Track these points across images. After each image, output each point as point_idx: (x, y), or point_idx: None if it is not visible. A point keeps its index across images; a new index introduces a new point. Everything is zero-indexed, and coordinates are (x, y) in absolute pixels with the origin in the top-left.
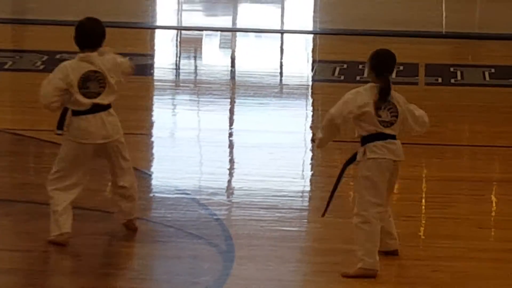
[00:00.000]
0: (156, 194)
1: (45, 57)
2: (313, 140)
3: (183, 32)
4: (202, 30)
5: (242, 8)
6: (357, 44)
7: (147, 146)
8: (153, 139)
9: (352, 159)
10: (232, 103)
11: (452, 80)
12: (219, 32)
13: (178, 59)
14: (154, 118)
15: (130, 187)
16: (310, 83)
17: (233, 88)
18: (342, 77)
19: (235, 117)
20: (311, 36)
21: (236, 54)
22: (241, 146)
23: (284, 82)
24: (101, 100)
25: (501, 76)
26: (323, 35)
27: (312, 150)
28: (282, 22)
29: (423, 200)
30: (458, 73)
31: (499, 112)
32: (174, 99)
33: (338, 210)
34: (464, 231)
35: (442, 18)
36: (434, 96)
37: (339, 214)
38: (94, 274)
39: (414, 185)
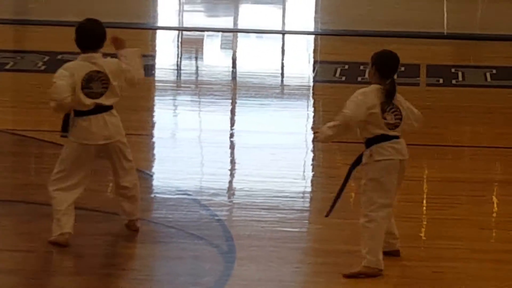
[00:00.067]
0: (157, 195)
1: (46, 58)
2: (315, 133)
3: (184, 32)
4: (203, 30)
5: (243, 9)
6: (358, 45)
7: (148, 146)
8: (154, 139)
9: (358, 161)
10: (233, 104)
11: (454, 81)
12: (220, 33)
13: (179, 59)
14: (155, 119)
15: (132, 187)
16: (311, 84)
17: (234, 89)
18: (343, 78)
19: (236, 118)
20: (312, 37)
21: (237, 55)
22: (242, 147)
23: (285, 83)
24: (104, 101)
25: (502, 77)
26: (324, 36)
27: (313, 151)
28: (283, 23)
29: (424, 201)
30: (460, 74)
31: (501, 113)
32: (175, 99)
33: (339, 211)
34: (465, 232)
35: (443, 19)
36: (435, 97)
37: (340, 215)
38: (95, 274)
39: (415, 186)
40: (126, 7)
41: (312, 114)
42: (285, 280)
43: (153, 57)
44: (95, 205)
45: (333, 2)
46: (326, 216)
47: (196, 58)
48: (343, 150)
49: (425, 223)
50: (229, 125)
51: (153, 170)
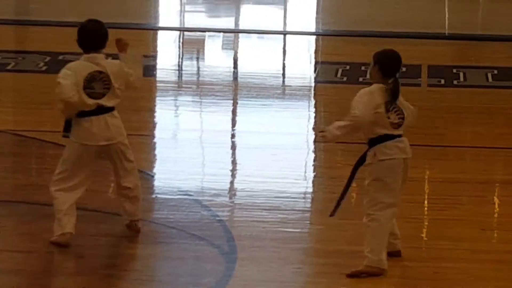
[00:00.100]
0: (159, 195)
1: (48, 58)
2: (321, 132)
3: (185, 33)
4: (204, 31)
5: (244, 9)
6: (359, 45)
7: (150, 147)
8: (155, 140)
9: (361, 161)
10: (235, 104)
11: (455, 82)
12: (221, 33)
13: (180, 60)
14: (156, 119)
15: (134, 187)
16: (313, 85)
17: (235, 89)
18: (345, 79)
19: (237, 118)
20: (314, 37)
21: (238, 55)
22: (243, 147)
23: (286, 83)
24: (105, 101)
25: (504, 78)
26: (325, 37)
27: (315, 152)
28: (285, 24)
29: (426, 202)
30: (461, 75)
31: (502, 113)
32: (176, 100)
33: (341, 211)
34: (467, 232)
35: (445, 19)
36: (436, 97)
37: (341, 215)
38: (96, 275)
39: (416, 187)
40: (127, 7)
41: (314, 114)
42: (286, 280)
43: (154, 57)
44: (96, 205)
45: (334, 3)
46: (331, 216)
47: (198, 59)
48: (344, 151)
49: (426, 223)
50: (231, 125)
51: (155, 170)
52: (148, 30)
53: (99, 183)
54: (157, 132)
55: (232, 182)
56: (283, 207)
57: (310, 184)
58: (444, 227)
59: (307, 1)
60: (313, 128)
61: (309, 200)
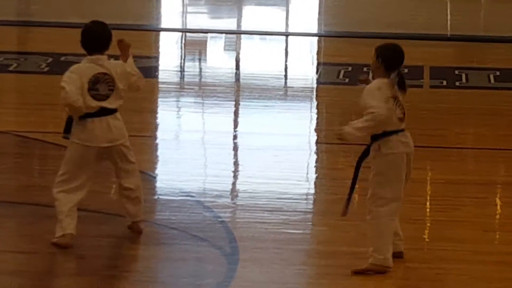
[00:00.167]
0: (161, 197)
1: (50, 59)
2: (338, 134)
3: (187, 34)
4: (206, 32)
5: (247, 10)
6: (361, 46)
7: (152, 148)
8: (157, 141)
9: (365, 154)
10: (237, 105)
11: (457, 83)
12: (223, 35)
13: (182, 61)
14: (158, 120)
15: (135, 189)
16: (315, 86)
17: (237, 90)
18: (347, 80)
19: (239, 119)
20: (316, 38)
21: (240, 56)
22: (245, 149)
23: (288, 84)
24: (109, 104)
25: (506, 79)
26: (327, 38)
27: (317, 153)
28: (287, 25)
29: (428, 203)
30: (463, 76)
31: (504, 115)
32: (178, 101)
33: None
34: (469, 234)
35: (447, 20)
36: (438, 99)
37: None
38: (98, 276)
39: (418, 188)
40: (129, 8)
41: (316, 116)
42: (288, 282)
43: (156, 58)
44: (98, 206)
45: (336, 4)
46: (343, 215)
47: (200, 60)
48: (346, 152)
49: (428, 225)
50: (233, 126)
51: (157, 171)
52: (150, 31)
53: (101, 184)
54: (159, 133)
55: (234, 183)
56: (285, 209)
57: (312, 186)
58: (446, 229)
59: (309, 2)
60: (315, 129)
61: (311, 202)
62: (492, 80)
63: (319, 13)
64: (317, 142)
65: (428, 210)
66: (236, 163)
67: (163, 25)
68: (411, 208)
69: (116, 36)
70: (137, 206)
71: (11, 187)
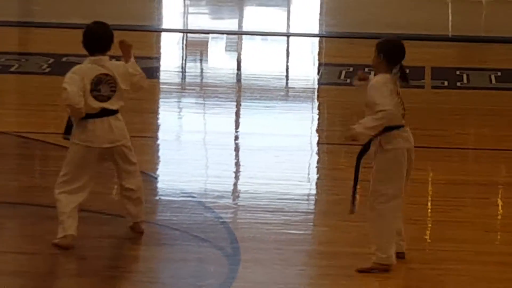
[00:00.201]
0: (162, 197)
1: (51, 60)
2: (349, 135)
3: (189, 35)
4: (208, 33)
5: (248, 11)
6: (363, 47)
7: (153, 149)
8: (159, 142)
9: (364, 149)
10: (238, 106)
11: (458, 84)
12: (225, 35)
13: (184, 62)
14: (160, 121)
15: (137, 189)
16: (316, 86)
17: (239, 91)
18: (348, 80)
19: (241, 120)
20: (317, 39)
21: (242, 57)
22: (246, 149)
23: (290, 85)
24: (110, 105)
25: (507, 80)
26: (329, 38)
27: (318, 153)
28: (288, 25)
29: (429, 204)
30: (464, 77)
31: (505, 115)
32: (180, 102)
33: (344, 213)
34: (470, 234)
35: (448, 21)
36: (440, 99)
37: (345, 217)
38: (99, 276)
39: (420, 189)
40: (130, 9)
41: (317, 116)
42: (289, 282)
43: (157, 59)
44: (99, 207)
45: (337, 5)
46: (351, 213)
47: (201, 60)
48: (347, 153)
49: (429, 225)
50: (234, 127)
51: (158, 172)
52: (151, 32)
53: (102, 185)
54: (160, 134)
55: (235, 184)
56: (286, 209)
57: (314, 186)
58: (447, 229)
59: (310, 3)
60: (317, 130)
61: (312, 202)
62: (493, 81)
63: (320, 14)
64: (318, 143)
65: (429, 210)
66: (237, 164)
67: (164, 25)
68: (412, 209)
69: (118, 37)
70: (138, 206)
71: (12, 188)
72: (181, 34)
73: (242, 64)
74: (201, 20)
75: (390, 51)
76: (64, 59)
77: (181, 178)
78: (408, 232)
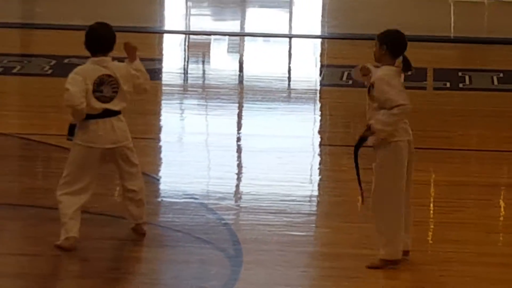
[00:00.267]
0: (164, 199)
1: (53, 62)
2: (367, 137)
3: (191, 36)
4: (210, 34)
5: (250, 12)
6: (365, 48)
7: (155, 150)
8: (161, 143)
9: (361, 141)
10: (240, 107)
11: (461, 85)
12: (227, 37)
13: (186, 63)
14: (162, 123)
15: (139, 191)
16: (318, 88)
17: (241, 92)
18: (350, 82)
19: (243, 121)
20: (319, 40)
21: (244, 58)
22: (249, 151)
23: (292, 86)
24: (113, 106)
25: (509, 81)
26: (331, 40)
27: (320, 155)
28: (290, 27)
29: (431, 205)
30: (467, 78)
31: (508, 116)
32: (182, 103)
33: (346, 214)
34: (472, 235)
35: (450, 22)
36: (442, 100)
37: (347, 218)
38: (101, 278)
39: (422, 190)
40: (133, 11)
41: (319, 118)
42: (292, 284)
43: (160, 61)
44: (101, 209)
45: (339, 6)
46: (363, 204)
47: (203, 62)
48: (350, 154)
49: (431, 226)
50: (236, 129)
51: (160, 174)
52: (153, 34)
53: (104, 186)
54: (162, 136)
55: (237, 186)
56: (288, 210)
57: (316, 187)
58: (450, 230)
59: (312, 4)
60: (319, 132)
61: (315, 204)
62: (496, 82)
63: (322, 15)
64: (320, 144)
65: (431, 212)
66: (239, 165)
67: (167, 27)
68: (415, 210)
69: (120, 39)
70: (140, 208)
71: (14, 189)
72: (183, 36)
73: (244, 66)
74: (203, 21)
75: (393, 43)
76: (66, 60)
77: (183, 179)
78: (411, 233)
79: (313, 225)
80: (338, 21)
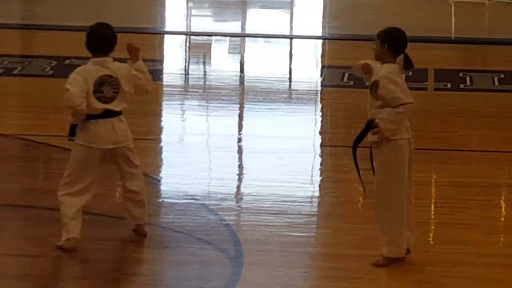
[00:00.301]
0: (165, 200)
1: (54, 63)
2: (377, 132)
3: (192, 37)
4: (211, 35)
5: (251, 13)
6: (366, 49)
7: (156, 151)
8: (162, 144)
9: (360, 138)
10: (241, 108)
11: (461, 86)
12: (228, 38)
13: (187, 64)
14: (163, 124)
15: (140, 192)
16: (319, 89)
17: (242, 93)
18: (351, 83)
19: (244, 122)
20: (320, 41)
21: (245, 59)
22: (250, 152)
23: (293, 87)
24: (114, 106)
25: (510, 82)
26: (332, 41)
27: (321, 156)
28: (291, 28)
29: (432, 206)
30: (467, 79)
31: (508, 117)
32: (183, 104)
33: (347, 215)
34: (473, 236)
35: (451, 23)
36: (443, 101)
37: (348, 219)
38: (102, 279)
39: (423, 191)
40: (133, 11)
41: (320, 118)
42: (293, 285)
43: (161, 61)
44: (102, 209)
45: (340, 7)
46: (366, 194)
47: (204, 63)
48: (350, 154)
49: (432, 227)
50: (237, 129)
51: (161, 174)
52: (154, 34)
53: (104, 187)
54: (163, 136)
55: (238, 186)
56: (289, 211)
57: (317, 188)
58: (451, 231)
59: (313, 5)
60: (320, 132)
61: (316, 204)
62: (497, 83)
63: (323, 16)
64: (321, 145)
65: (432, 212)
66: (240, 166)
67: (168, 28)
68: (416, 211)
69: (121, 39)
70: (141, 209)
71: (15, 190)
72: (184, 37)
73: (245, 67)
74: (204, 22)
75: (395, 40)
76: (67, 61)
77: (184, 180)
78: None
79: (314, 226)
80: (339, 22)
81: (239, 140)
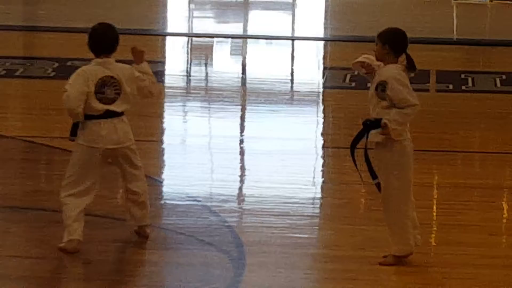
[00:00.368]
0: (167, 201)
1: (56, 64)
2: (386, 133)
3: (194, 39)
4: (213, 37)
5: (253, 15)
6: (367, 51)
7: (158, 153)
8: (164, 146)
9: (359, 137)
10: (243, 110)
11: (463, 87)
12: (230, 39)
13: (189, 66)
14: (165, 125)
15: (142, 193)
16: (321, 90)
17: (244, 95)
18: (353, 84)
19: (246, 124)
20: (322, 43)
21: (247, 61)
22: (252, 153)
23: (295, 89)
24: (115, 107)
25: None
26: (334, 42)
27: (323, 157)
28: (293, 29)
29: (434, 207)
30: (469, 80)
31: (510, 119)
32: (185, 106)
33: (349, 217)
34: (475, 238)
35: (453, 24)
36: (445, 103)
37: (350, 221)
38: (104, 280)
39: (425, 192)
40: (136, 13)
41: (322, 120)
42: (295, 286)
43: (162, 63)
44: (104, 211)
45: (342, 8)
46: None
47: (206, 64)
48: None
49: (434, 229)
50: (239, 131)
51: (163, 176)
52: (156, 36)
53: (107, 189)
54: (165, 138)
55: (240, 188)
56: (291, 213)
57: (319, 190)
58: (453, 233)
59: (315, 6)
60: (322, 134)
61: (318, 206)
62: (498, 84)
63: (325, 18)
64: (323, 146)
65: (434, 214)
66: (242, 168)
67: (169, 29)
68: (418, 212)
69: (123, 41)
70: (143, 210)
71: (17, 192)
72: (186, 38)
73: (247, 68)
74: (206, 24)
75: (396, 40)
76: (69, 63)
77: (186, 182)
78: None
79: (316, 227)
80: (341, 24)
81: (241, 141)
